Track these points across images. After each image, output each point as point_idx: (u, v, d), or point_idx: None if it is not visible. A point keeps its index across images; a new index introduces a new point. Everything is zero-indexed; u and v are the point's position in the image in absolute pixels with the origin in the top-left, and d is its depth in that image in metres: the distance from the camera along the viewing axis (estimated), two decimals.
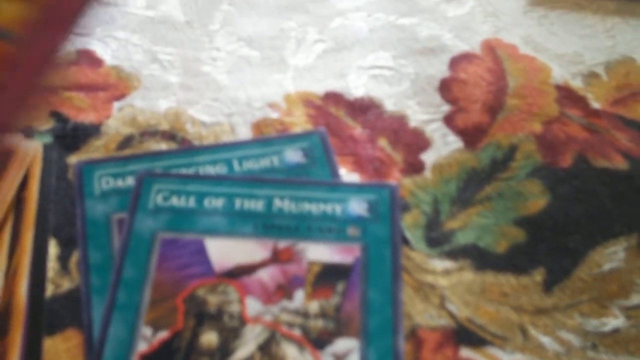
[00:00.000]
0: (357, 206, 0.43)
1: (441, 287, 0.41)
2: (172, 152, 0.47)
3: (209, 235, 0.41)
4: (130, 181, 0.44)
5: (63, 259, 0.42)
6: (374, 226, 0.42)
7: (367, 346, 0.36)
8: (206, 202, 0.43)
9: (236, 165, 0.46)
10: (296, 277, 0.40)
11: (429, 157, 0.48)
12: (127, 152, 0.48)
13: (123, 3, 0.62)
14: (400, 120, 0.51)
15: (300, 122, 0.50)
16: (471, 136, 0.50)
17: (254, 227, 0.42)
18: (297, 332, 0.37)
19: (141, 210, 0.42)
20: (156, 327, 0.37)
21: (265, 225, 0.42)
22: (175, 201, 0.43)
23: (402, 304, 0.39)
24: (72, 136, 0.49)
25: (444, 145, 0.49)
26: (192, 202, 0.43)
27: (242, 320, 0.38)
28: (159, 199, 0.43)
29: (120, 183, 0.44)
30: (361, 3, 0.63)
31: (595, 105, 0.53)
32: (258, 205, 0.43)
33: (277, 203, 0.43)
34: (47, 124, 0.50)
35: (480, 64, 0.56)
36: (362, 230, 0.42)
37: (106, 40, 0.58)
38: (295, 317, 0.38)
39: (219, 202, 0.43)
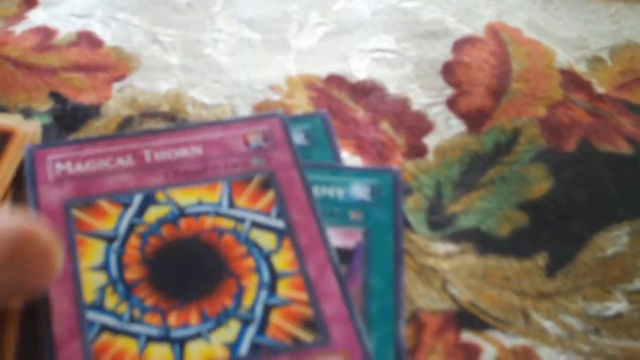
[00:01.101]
0: (360, 190, 0.43)
1: (443, 271, 0.41)
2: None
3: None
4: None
5: None
6: (376, 211, 0.42)
7: (368, 331, 0.36)
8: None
9: None
10: None
11: (431, 141, 0.48)
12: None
13: None
14: (402, 104, 0.51)
15: (302, 105, 0.50)
16: (474, 120, 0.50)
17: None
18: None
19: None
20: None
21: None
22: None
23: (403, 290, 0.38)
24: (71, 117, 0.49)
25: (446, 129, 0.49)
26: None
27: None
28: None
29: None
30: None
31: (600, 89, 0.52)
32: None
33: None
34: (46, 105, 0.50)
35: (484, 47, 0.56)
36: (364, 215, 0.42)
37: (106, 21, 0.58)
38: None
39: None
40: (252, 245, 0.39)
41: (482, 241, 0.42)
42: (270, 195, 0.41)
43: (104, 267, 0.38)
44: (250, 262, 0.38)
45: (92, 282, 0.37)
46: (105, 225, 0.40)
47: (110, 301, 0.36)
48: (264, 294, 0.37)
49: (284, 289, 0.37)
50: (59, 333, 0.35)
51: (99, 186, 0.41)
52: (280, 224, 0.40)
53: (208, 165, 0.42)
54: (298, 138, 0.46)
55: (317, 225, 0.39)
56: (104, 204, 0.40)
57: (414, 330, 0.38)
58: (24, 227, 0.29)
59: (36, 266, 0.30)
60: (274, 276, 0.37)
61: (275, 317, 0.36)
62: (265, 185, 0.41)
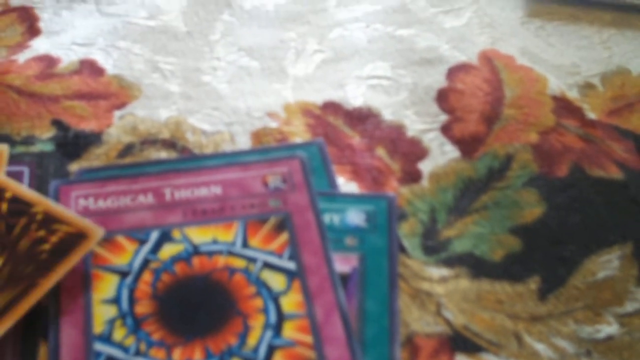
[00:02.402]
0: (355, 216, 0.44)
1: (437, 295, 0.41)
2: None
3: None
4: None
5: None
6: (371, 237, 0.43)
7: (363, 355, 0.37)
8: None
9: None
10: None
11: (426, 166, 0.49)
12: (127, 160, 0.48)
13: (125, 13, 0.63)
14: (398, 130, 0.52)
15: (299, 132, 0.51)
16: (468, 146, 0.50)
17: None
18: None
19: None
20: None
21: None
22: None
23: (398, 314, 0.39)
24: (73, 144, 0.50)
25: (441, 155, 0.50)
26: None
27: None
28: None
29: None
30: (360, 14, 0.63)
31: (591, 115, 0.53)
32: None
33: None
34: (49, 132, 0.51)
35: (477, 74, 0.57)
36: (360, 241, 0.43)
37: (108, 49, 0.59)
38: None
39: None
40: (262, 285, 0.39)
41: (475, 265, 0.43)
42: (284, 237, 0.42)
43: (116, 300, 0.38)
44: (258, 303, 0.39)
45: (102, 314, 0.38)
46: (120, 260, 0.40)
47: (119, 334, 0.37)
48: (269, 334, 0.37)
49: (290, 331, 0.37)
50: None
51: (118, 222, 0.42)
52: (291, 265, 0.40)
53: (226, 205, 0.43)
54: None
55: (328, 269, 0.40)
56: (121, 239, 0.41)
57: (408, 353, 0.38)
58: None
59: None
60: (281, 317, 0.38)
61: (278, 358, 0.36)
62: (280, 227, 0.42)
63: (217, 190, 0.44)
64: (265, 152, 0.48)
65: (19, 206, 0.42)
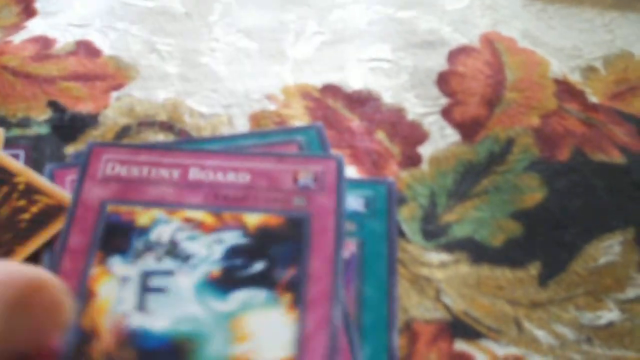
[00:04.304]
0: (354, 202, 0.43)
1: (437, 280, 0.41)
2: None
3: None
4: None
5: None
6: (370, 222, 0.42)
7: (361, 342, 0.37)
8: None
9: None
10: None
11: (426, 150, 0.49)
12: (127, 140, 0.48)
13: None
14: (398, 113, 0.51)
15: (298, 115, 0.50)
16: (469, 129, 0.50)
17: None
18: None
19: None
20: None
21: None
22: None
23: (397, 301, 0.39)
24: (69, 126, 0.49)
25: (441, 138, 0.49)
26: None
27: None
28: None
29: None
30: None
31: (594, 99, 0.53)
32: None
33: None
34: (45, 114, 0.50)
35: (479, 57, 0.56)
36: (359, 226, 0.42)
37: (105, 30, 0.58)
38: None
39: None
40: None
41: (475, 251, 0.43)
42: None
43: None
44: None
45: None
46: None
47: None
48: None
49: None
50: None
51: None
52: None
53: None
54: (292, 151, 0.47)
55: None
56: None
57: (407, 339, 0.38)
58: (35, 277, 0.29)
59: (44, 316, 0.30)
60: None
61: None
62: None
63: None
64: (263, 136, 0.47)
65: (2, 175, 0.42)
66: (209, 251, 0.39)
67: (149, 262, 0.39)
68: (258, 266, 0.39)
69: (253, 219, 0.41)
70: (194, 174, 0.43)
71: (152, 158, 0.44)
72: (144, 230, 0.40)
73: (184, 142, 0.47)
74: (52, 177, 0.44)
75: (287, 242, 0.40)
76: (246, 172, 0.43)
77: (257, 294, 0.37)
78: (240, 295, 0.37)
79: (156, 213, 0.41)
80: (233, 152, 0.44)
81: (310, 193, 0.42)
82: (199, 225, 0.40)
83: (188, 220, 0.41)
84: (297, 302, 0.37)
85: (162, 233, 0.40)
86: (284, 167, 0.43)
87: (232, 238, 0.40)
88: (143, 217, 0.41)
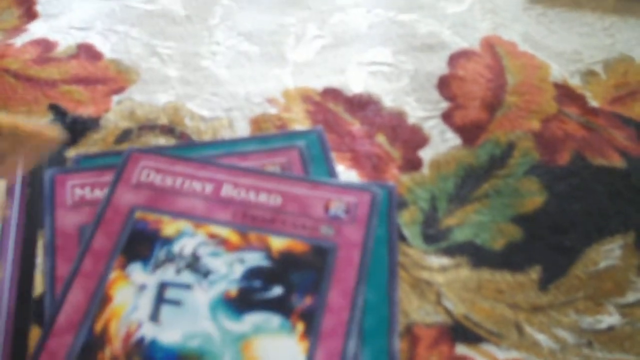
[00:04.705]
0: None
1: (438, 284, 0.41)
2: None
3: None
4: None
5: None
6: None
7: (362, 346, 0.37)
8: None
9: None
10: None
11: (426, 154, 0.49)
12: (123, 146, 0.48)
13: None
14: (398, 117, 0.51)
15: (298, 118, 0.51)
16: (469, 133, 0.50)
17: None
18: None
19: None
20: None
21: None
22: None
23: (397, 304, 0.39)
24: (70, 129, 0.49)
25: (442, 142, 0.49)
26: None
27: None
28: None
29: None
30: None
31: (594, 103, 0.53)
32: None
33: None
34: (46, 117, 0.50)
35: (479, 61, 0.56)
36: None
37: (106, 33, 0.58)
38: None
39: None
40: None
41: (476, 254, 0.43)
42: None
43: None
44: None
45: None
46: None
47: None
48: None
49: None
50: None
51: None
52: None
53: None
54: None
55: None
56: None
57: (408, 343, 0.38)
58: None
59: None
60: None
61: None
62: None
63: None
64: (264, 141, 0.47)
65: None
66: (229, 269, 0.39)
67: (168, 273, 0.39)
68: (276, 291, 0.38)
69: (278, 243, 0.40)
70: (226, 190, 0.43)
71: (187, 170, 0.44)
72: (168, 241, 0.40)
73: (186, 146, 0.47)
74: (53, 183, 0.44)
75: (309, 270, 0.39)
76: (278, 194, 0.43)
77: (271, 319, 0.37)
78: (254, 318, 0.37)
79: (183, 225, 0.41)
80: (268, 173, 0.44)
81: (340, 223, 0.42)
82: (223, 242, 0.40)
83: (213, 236, 0.41)
84: (309, 332, 0.37)
85: (186, 245, 0.40)
86: (317, 194, 0.43)
87: (255, 259, 0.40)
88: (169, 227, 0.41)
